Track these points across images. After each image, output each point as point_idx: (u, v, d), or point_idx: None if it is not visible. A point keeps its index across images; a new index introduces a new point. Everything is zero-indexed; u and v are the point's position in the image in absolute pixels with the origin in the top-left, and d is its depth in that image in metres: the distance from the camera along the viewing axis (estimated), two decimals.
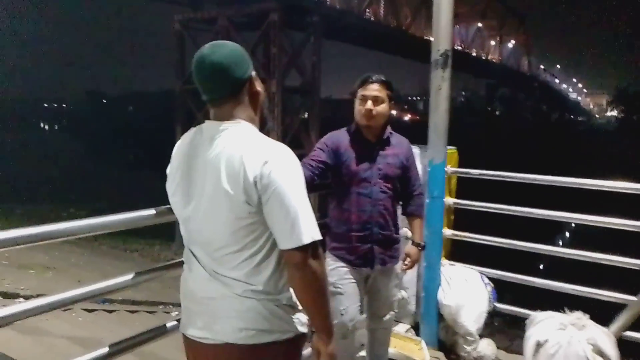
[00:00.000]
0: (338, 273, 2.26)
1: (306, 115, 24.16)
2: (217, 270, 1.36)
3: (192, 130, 1.45)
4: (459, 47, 48.70)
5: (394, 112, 2.43)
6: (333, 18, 26.02)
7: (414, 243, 2.39)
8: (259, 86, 1.43)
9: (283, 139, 19.65)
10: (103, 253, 12.71)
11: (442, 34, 2.67)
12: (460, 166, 3.11)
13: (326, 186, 2.37)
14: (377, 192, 2.24)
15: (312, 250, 1.30)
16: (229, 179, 1.29)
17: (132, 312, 7.99)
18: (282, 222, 1.29)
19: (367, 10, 32.46)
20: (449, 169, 2.98)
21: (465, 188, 3.21)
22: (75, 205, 20.48)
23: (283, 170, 1.29)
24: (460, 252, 3.19)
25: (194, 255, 1.42)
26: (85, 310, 6.86)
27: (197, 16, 24.29)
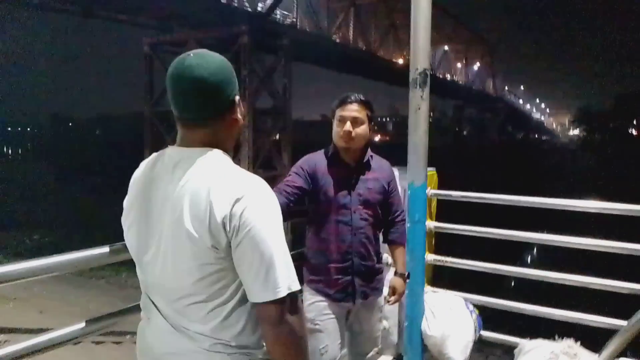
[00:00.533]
0: (317, 308, 2.10)
1: (278, 137, 24.08)
2: (181, 322, 1.15)
3: (154, 156, 1.24)
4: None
5: (376, 134, 2.30)
6: (303, 41, 26.25)
7: (397, 274, 2.25)
8: (239, 113, 1.25)
9: (254, 160, 19.55)
10: (67, 281, 12.19)
11: (420, 52, 2.57)
12: (439, 188, 3.01)
13: (303, 213, 2.22)
14: (357, 220, 2.10)
15: (289, 303, 1.11)
16: (193, 219, 1.09)
17: (97, 343, 7.62)
18: (255, 270, 1.09)
19: (337, 33, 32.89)
20: (430, 191, 2.87)
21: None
22: (39, 231, 19.68)
23: (258, 209, 1.10)
24: (442, 278, 3.07)
25: (154, 303, 1.20)
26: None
27: (167, 39, 24.09)
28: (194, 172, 1.12)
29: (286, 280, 1.10)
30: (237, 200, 1.08)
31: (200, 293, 1.13)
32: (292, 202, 2.05)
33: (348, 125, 2.09)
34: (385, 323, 2.89)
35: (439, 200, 3.04)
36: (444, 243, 3.09)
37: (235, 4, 23.25)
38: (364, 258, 2.11)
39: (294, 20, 28.21)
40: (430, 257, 2.95)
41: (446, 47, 58.90)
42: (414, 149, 2.64)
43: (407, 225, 2.62)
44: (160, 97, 23.98)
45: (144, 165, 1.25)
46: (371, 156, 2.20)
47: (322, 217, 2.12)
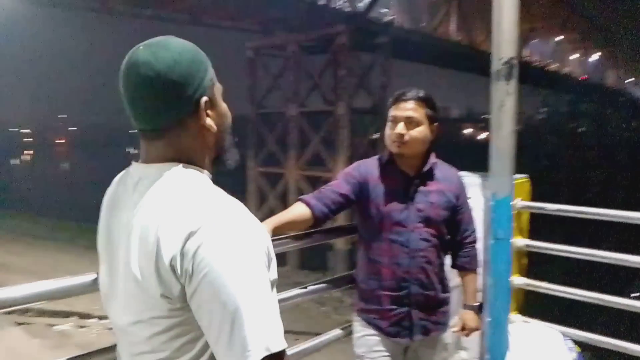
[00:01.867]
0: (367, 343, 1.80)
1: (375, 136, 23.78)
2: None
3: (122, 173, 1.02)
4: (537, 62, 46.72)
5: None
6: (401, 38, 25.62)
7: (467, 306, 1.89)
8: (211, 117, 0.94)
9: (351, 160, 19.39)
10: None
11: (504, 38, 2.17)
12: (537, 198, 2.55)
13: (352, 229, 1.94)
14: (417, 240, 1.77)
15: None
16: (140, 260, 0.86)
17: None
18: (216, 327, 0.81)
19: (438, 28, 31.71)
20: (518, 202, 2.44)
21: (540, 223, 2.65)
22: None
23: (218, 245, 0.81)
24: (536, 306, 2.61)
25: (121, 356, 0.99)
26: None
27: (268, 42, 24.82)
28: (148, 197, 0.88)
29: (261, 339, 0.80)
30: (191, 235, 0.81)
31: (159, 350, 0.88)
32: (332, 211, 1.80)
33: (400, 127, 1.76)
34: (464, 354, 2.52)
35: (535, 215, 2.57)
36: (539, 263, 2.63)
37: (334, 5, 23.28)
38: (424, 286, 1.78)
39: (393, 17, 27.69)
40: (520, 281, 2.51)
41: (559, 38, 54.39)
42: (497, 153, 2.24)
43: (490, 242, 2.24)
44: (262, 100, 24.82)
45: (113, 183, 1.03)
46: (435, 163, 1.86)
47: (373, 235, 1.81)
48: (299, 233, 1.83)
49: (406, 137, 1.76)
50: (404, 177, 1.82)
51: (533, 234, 2.56)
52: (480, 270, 2.30)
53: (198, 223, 0.82)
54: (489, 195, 2.28)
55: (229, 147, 1.02)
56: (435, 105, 1.84)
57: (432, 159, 1.86)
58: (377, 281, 1.80)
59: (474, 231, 1.94)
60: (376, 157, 1.91)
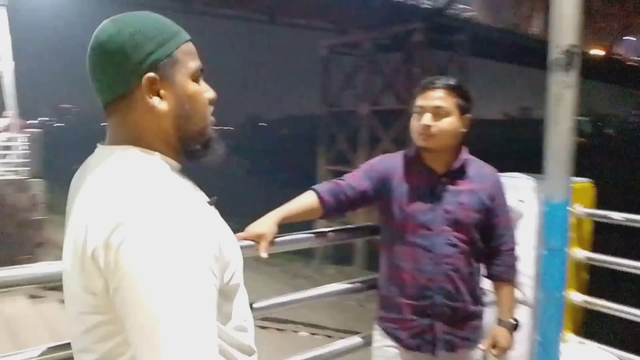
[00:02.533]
0: (385, 355, 1.64)
1: None
2: None
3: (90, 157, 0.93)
4: (632, 61, 43.02)
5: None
6: (481, 35, 24.63)
7: (500, 322, 1.68)
8: (163, 95, 0.83)
9: None
10: (247, 264, 13.19)
11: (564, 24, 1.93)
12: (604, 206, 2.25)
13: (373, 229, 1.79)
14: (443, 245, 1.58)
15: None
16: (68, 249, 0.79)
17: (262, 327, 8.06)
18: (137, 331, 0.70)
19: (521, 24, 30.14)
20: (578, 209, 2.17)
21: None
22: (234, 219, 22.10)
23: (144, 242, 0.70)
24: (595, 326, 2.32)
25: None
26: None
27: (342, 41, 24.82)
28: (86, 182, 0.81)
29: (180, 353, 0.68)
30: (118, 226, 0.71)
31: (90, 350, 0.78)
32: (345, 207, 1.66)
33: (427, 118, 1.57)
34: None
35: (598, 223, 2.28)
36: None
37: (411, 2, 22.80)
38: (450, 296, 1.59)
39: (472, 13, 26.67)
40: (578, 297, 2.23)
41: None
42: (552, 152, 2.00)
43: (543, 252, 2.01)
44: (334, 98, 24.89)
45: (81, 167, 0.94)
46: (467, 160, 1.65)
47: (395, 237, 1.64)
48: (314, 232, 1.72)
49: (433, 129, 1.57)
50: (431, 175, 1.63)
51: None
52: (530, 283, 2.08)
53: (126, 215, 0.72)
54: (542, 200, 2.05)
55: (202, 138, 0.90)
56: (468, 94, 1.64)
57: (464, 154, 1.65)
58: (398, 288, 1.63)
59: (511, 237, 1.72)
60: (402, 152, 1.74)
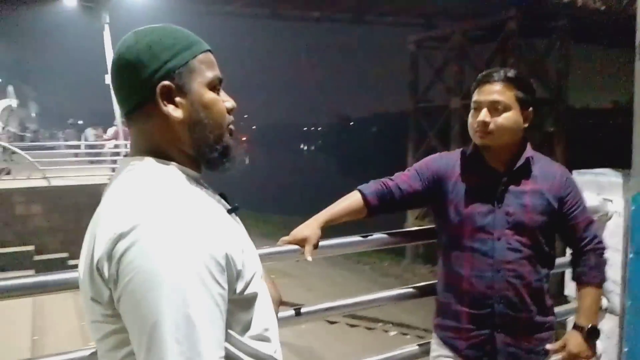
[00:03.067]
0: None
1: (551, 129, 21.61)
2: None
3: None
4: None
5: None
6: (585, 19, 22.74)
7: (576, 326, 1.56)
8: (175, 105, 0.85)
9: None
10: (336, 263, 13.36)
11: None
12: None
13: (431, 233, 1.71)
14: (503, 250, 1.48)
15: None
16: (82, 259, 0.82)
17: (351, 326, 8.11)
18: (137, 339, 0.72)
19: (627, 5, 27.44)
20: None
21: None
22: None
23: (148, 249, 0.72)
24: None
25: None
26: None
27: (431, 35, 24.20)
28: (105, 194, 0.84)
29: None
30: (121, 237, 0.73)
31: (104, 357, 0.82)
32: (391, 208, 1.61)
33: (483, 114, 1.47)
34: None
35: None
36: None
37: None
38: (513, 306, 1.48)
39: None
40: None
41: None
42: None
43: (630, 256, 1.84)
44: (423, 94, 24.34)
45: None
46: (531, 158, 1.53)
47: (452, 241, 1.56)
48: (365, 235, 1.68)
49: (491, 126, 1.46)
50: (491, 174, 1.53)
51: None
52: (616, 289, 1.91)
53: (131, 223, 0.73)
54: (629, 199, 1.88)
55: (219, 146, 0.90)
56: (530, 86, 1.52)
57: (528, 151, 1.53)
58: (456, 295, 1.55)
59: (595, 238, 1.57)
60: (459, 150, 1.65)
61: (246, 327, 0.87)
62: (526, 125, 1.52)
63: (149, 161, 0.85)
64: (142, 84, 0.83)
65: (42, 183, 8.88)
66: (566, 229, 1.55)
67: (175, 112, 0.85)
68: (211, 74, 0.89)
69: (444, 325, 1.60)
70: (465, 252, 1.53)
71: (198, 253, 0.74)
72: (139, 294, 0.71)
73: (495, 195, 1.51)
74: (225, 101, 0.92)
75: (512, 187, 1.52)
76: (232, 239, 0.84)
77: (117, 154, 11.18)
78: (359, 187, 1.64)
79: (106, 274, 0.74)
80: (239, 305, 0.84)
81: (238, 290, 0.83)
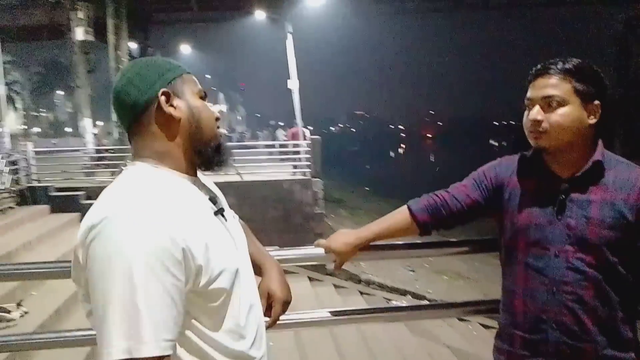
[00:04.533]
0: None
1: None
2: None
3: None
4: None
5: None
6: None
7: None
8: (184, 100, 1.03)
9: None
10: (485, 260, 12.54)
11: None
12: None
13: (491, 244, 1.54)
14: (561, 269, 1.28)
15: None
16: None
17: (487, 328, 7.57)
18: (95, 317, 0.84)
19: None
20: None
21: None
22: None
23: (109, 238, 0.84)
24: None
25: None
26: (482, 325, 6.98)
27: None
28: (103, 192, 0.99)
29: (124, 338, 0.80)
30: (93, 227, 0.85)
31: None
32: (444, 222, 1.49)
33: (535, 111, 1.30)
34: None
35: None
36: None
37: None
38: (572, 334, 1.27)
39: None
40: None
41: None
42: None
43: None
44: (634, 79, 21.10)
45: None
46: (602, 161, 1.30)
47: (508, 255, 1.40)
48: (419, 242, 1.59)
49: (544, 124, 1.28)
50: (552, 180, 1.33)
51: None
52: None
53: (102, 215, 0.86)
54: None
55: (213, 142, 1.06)
56: (594, 76, 1.29)
57: (598, 154, 1.30)
58: (510, 315, 1.39)
59: None
60: (519, 154, 1.45)
61: (217, 323, 0.97)
62: (593, 121, 1.29)
63: (140, 165, 1.01)
64: (142, 97, 1.01)
65: (236, 178, 10.13)
66: (635, 247, 1.27)
67: (175, 112, 1.02)
68: (197, 87, 1.08)
69: (500, 348, 1.44)
70: (518, 267, 1.36)
71: (151, 245, 0.84)
72: (95, 278, 0.84)
73: (555, 205, 1.31)
74: (214, 110, 1.10)
75: (575, 196, 1.30)
76: (196, 236, 0.92)
77: (297, 152, 12.17)
78: (409, 201, 1.54)
79: (80, 259, 0.89)
80: (203, 297, 0.94)
81: (201, 284, 0.92)
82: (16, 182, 9.49)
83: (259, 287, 1.20)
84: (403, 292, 9.25)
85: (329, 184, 12.45)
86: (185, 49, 31.29)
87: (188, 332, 0.94)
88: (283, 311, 1.22)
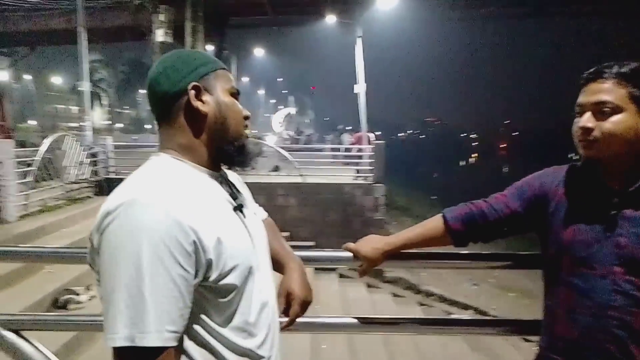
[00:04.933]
0: None
1: None
2: None
3: None
4: None
5: None
6: None
7: None
8: (213, 96, 1.04)
9: None
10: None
11: None
12: None
13: (533, 260, 1.43)
14: (607, 292, 1.16)
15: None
16: None
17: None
18: (103, 302, 0.88)
19: None
20: None
21: None
22: None
23: (120, 226, 0.85)
24: None
25: None
26: None
27: None
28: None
29: (127, 326, 0.82)
30: (108, 214, 0.88)
31: None
32: (479, 234, 1.38)
33: (585, 118, 1.19)
34: None
35: None
36: None
37: None
38: None
39: None
40: None
41: None
42: None
43: None
44: None
45: None
46: None
47: (551, 272, 1.29)
48: (455, 252, 1.49)
49: (595, 132, 1.18)
50: (603, 194, 1.21)
51: None
52: None
53: (117, 202, 0.88)
54: None
55: (236, 142, 1.06)
56: None
57: None
58: (549, 339, 1.28)
59: None
60: (570, 164, 1.33)
61: (226, 319, 0.97)
62: None
63: (164, 157, 1.03)
64: (173, 89, 1.02)
65: (299, 180, 10.24)
66: None
67: (203, 107, 1.03)
68: (229, 84, 1.08)
69: None
70: (561, 288, 1.25)
71: (162, 235, 0.85)
72: (105, 264, 0.86)
73: (605, 221, 1.19)
74: (242, 110, 1.08)
75: (628, 212, 1.17)
76: (209, 229, 0.92)
77: (360, 157, 12.09)
78: (446, 209, 1.46)
79: (94, 244, 0.91)
80: (213, 293, 0.95)
81: (211, 278, 0.92)
82: (95, 173, 10.13)
83: (279, 286, 1.19)
84: (464, 306, 8.94)
85: (395, 190, 12.30)
86: (259, 52, 32.19)
87: (196, 327, 0.95)
88: (302, 311, 1.20)
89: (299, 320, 1.21)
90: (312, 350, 5.24)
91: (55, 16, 18.66)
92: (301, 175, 10.31)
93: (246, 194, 1.18)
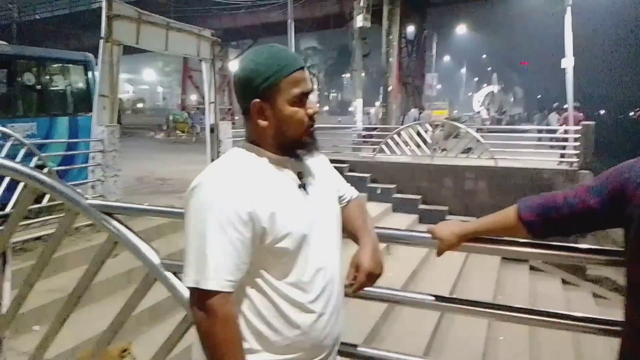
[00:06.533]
0: None
1: None
2: None
3: None
4: None
5: None
6: None
7: None
8: (265, 116, 1.21)
9: None
10: None
11: None
12: None
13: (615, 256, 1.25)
14: None
15: (197, 297, 1.12)
16: None
17: None
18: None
19: None
20: None
21: None
22: None
23: (195, 196, 1.15)
24: None
25: None
26: None
27: None
28: None
29: (195, 273, 1.11)
30: (192, 189, 1.16)
31: None
32: (553, 228, 1.27)
33: None
34: None
35: None
36: None
37: None
38: None
39: None
40: None
41: None
42: None
43: None
44: None
45: None
46: None
47: (629, 279, 1.12)
48: (530, 242, 1.37)
49: None
50: None
51: None
52: None
53: (197, 181, 1.17)
54: None
55: (297, 143, 1.23)
56: None
57: None
58: (624, 350, 1.13)
59: None
60: None
61: (282, 275, 1.20)
62: None
63: (239, 148, 1.27)
64: (246, 96, 1.22)
65: (490, 163, 9.68)
66: None
67: (262, 122, 1.22)
68: (297, 90, 1.20)
69: None
70: (633, 300, 1.10)
71: (224, 206, 1.11)
72: (185, 226, 1.16)
73: None
74: (309, 108, 1.23)
75: None
76: (263, 204, 1.15)
77: (566, 139, 10.81)
78: (520, 200, 1.34)
79: (183, 210, 1.20)
80: (271, 253, 1.18)
81: (267, 242, 1.16)
82: None
83: (353, 258, 1.36)
84: None
85: None
86: (461, 29, 30.89)
87: (258, 279, 1.20)
88: (369, 282, 1.33)
89: (370, 290, 1.39)
90: (487, 340, 5.08)
91: (274, 10, 20.97)
92: (493, 158, 9.73)
93: (316, 173, 1.33)
